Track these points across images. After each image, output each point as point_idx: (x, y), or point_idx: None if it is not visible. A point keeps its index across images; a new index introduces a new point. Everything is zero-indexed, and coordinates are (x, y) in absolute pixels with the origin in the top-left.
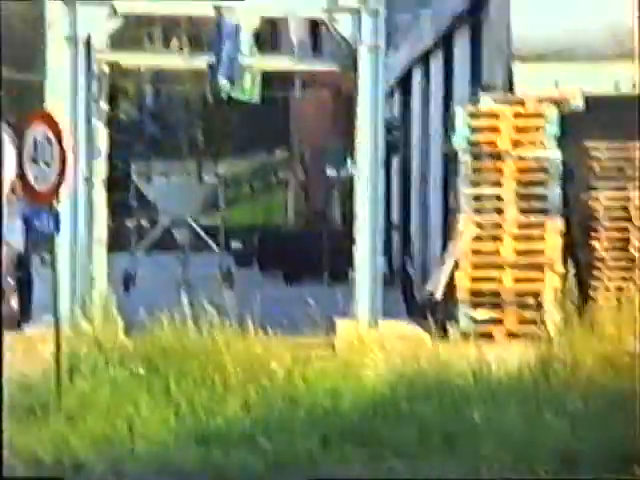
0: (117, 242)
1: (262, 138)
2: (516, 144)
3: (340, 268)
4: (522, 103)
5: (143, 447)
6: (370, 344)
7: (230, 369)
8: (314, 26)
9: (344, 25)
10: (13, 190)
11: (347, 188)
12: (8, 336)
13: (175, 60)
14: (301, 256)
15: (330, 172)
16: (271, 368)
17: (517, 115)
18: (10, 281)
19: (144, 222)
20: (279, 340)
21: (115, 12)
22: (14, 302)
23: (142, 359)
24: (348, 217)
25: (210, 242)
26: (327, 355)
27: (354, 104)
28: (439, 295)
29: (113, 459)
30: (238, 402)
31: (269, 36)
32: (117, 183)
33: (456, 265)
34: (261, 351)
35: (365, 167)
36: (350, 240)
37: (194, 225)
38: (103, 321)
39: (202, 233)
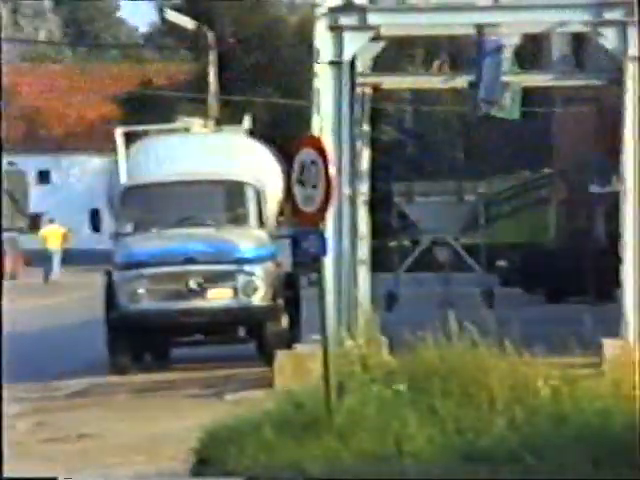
0: (379, 262)
1: (523, 155)
2: None
3: (606, 287)
4: None
5: (411, 464)
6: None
7: (495, 388)
8: (577, 39)
9: (610, 38)
10: (282, 212)
11: (612, 205)
12: (280, 354)
13: (436, 81)
14: (565, 275)
15: (594, 189)
16: (537, 387)
17: None
18: (280, 301)
19: (406, 242)
20: (544, 359)
21: (379, 36)
22: (285, 321)
23: (406, 377)
24: (613, 234)
25: (470, 261)
26: (595, 374)
27: (618, 118)
28: None
29: (382, 475)
30: (504, 421)
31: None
32: (379, 204)
33: None
34: (526, 370)
35: (631, 182)
36: (616, 258)
37: (455, 244)
38: (367, 340)
39: (462, 252)
